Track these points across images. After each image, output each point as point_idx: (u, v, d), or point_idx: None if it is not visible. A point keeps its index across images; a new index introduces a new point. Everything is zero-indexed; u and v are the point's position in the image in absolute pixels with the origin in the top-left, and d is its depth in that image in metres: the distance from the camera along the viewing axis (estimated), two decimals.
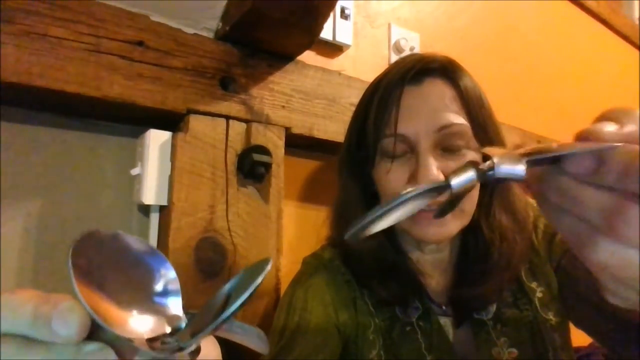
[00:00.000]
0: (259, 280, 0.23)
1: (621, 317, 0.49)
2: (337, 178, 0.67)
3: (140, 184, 0.69)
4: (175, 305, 0.27)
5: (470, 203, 0.57)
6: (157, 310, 0.26)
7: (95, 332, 0.22)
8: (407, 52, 1.04)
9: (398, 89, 0.56)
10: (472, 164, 0.29)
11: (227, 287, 0.27)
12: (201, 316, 0.26)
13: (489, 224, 0.60)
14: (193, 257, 0.68)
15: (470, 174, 0.29)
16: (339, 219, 0.66)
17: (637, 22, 1.97)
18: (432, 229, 0.55)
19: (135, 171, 0.70)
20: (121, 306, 0.24)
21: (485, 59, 1.27)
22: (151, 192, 0.68)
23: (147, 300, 0.26)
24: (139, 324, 0.24)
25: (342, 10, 0.93)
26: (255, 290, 0.23)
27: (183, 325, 0.26)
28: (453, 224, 0.56)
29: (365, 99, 0.62)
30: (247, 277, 0.26)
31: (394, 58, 1.03)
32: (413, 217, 0.55)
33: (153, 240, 0.71)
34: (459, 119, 0.54)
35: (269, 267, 0.24)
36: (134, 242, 0.27)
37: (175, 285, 0.27)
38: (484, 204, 0.60)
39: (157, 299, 0.26)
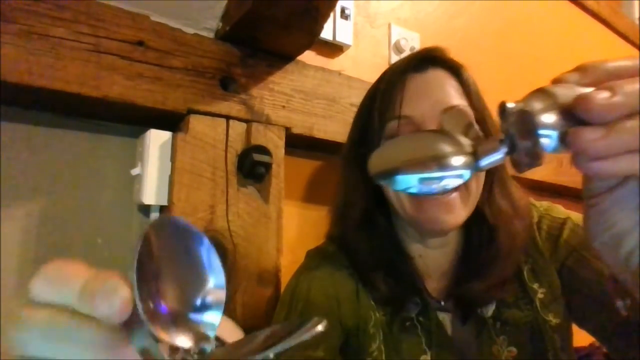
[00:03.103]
0: (304, 337, 0.22)
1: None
2: (339, 174, 0.68)
3: (140, 184, 0.69)
4: (209, 324, 0.26)
5: (476, 184, 0.57)
6: (192, 321, 0.25)
7: (131, 319, 0.22)
8: (407, 52, 1.04)
9: (402, 76, 0.58)
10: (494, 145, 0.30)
11: (273, 328, 0.25)
12: (232, 348, 0.25)
13: (492, 211, 0.60)
14: None
15: (499, 156, 0.30)
16: (340, 215, 0.66)
17: (637, 22, 1.97)
18: (440, 217, 0.55)
19: (135, 171, 0.70)
20: (163, 303, 0.23)
21: (485, 58, 1.27)
22: (151, 192, 0.68)
23: (188, 309, 0.25)
24: (170, 328, 0.23)
25: (342, 10, 0.93)
26: (295, 345, 0.22)
27: (208, 349, 0.25)
28: (462, 211, 0.56)
29: (371, 91, 0.64)
30: (297, 327, 0.24)
31: (394, 58, 1.03)
32: (419, 204, 0.56)
33: None
34: (463, 102, 0.57)
35: (320, 328, 0.23)
36: (201, 239, 0.26)
37: (220, 297, 0.26)
38: (486, 193, 0.61)
39: (197, 311, 0.25)
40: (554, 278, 0.62)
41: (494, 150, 0.29)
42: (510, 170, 0.64)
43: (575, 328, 0.64)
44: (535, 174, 1.23)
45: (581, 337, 0.63)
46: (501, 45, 1.34)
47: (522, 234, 0.60)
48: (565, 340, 0.61)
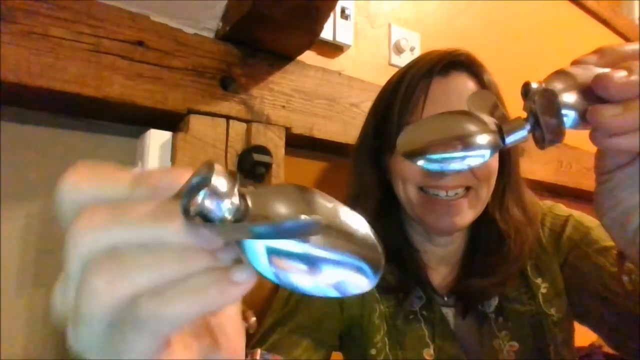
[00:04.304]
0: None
1: (626, 307, 0.51)
2: (351, 165, 0.68)
3: None
4: None
5: (487, 191, 0.58)
6: None
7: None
8: (407, 52, 1.04)
9: (427, 79, 0.58)
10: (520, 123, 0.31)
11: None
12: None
13: (503, 217, 0.61)
14: None
15: (523, 133, 0.31)
16: (354, 206, 0.66)
17: (637, 22, 1.97)
18: (446, 219, 0.56)
19: None
20: None
21: (486, 59, 1.27)
22: None
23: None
24: None
25: (343, 10, 0.93)
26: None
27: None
28: (468, 214, 0.57)
29: (389, 89, 0.63)
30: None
31: (394, 58, 1.03)
32: (427, 203, 0.56)
33: None
34: None
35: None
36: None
37: None
38: (497, 197, 0.61)
39: None
40: (556, 273, 0.63)
41: (519, 127, 0.31)
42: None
43: (576, 327, 0.64)
44: (536, 174, 1.23)
45: (581, 338, 0.63)
46: (501, 45, 1.34)
47: (531, 240, 0.61)
48: (566, 335, 0.62)
